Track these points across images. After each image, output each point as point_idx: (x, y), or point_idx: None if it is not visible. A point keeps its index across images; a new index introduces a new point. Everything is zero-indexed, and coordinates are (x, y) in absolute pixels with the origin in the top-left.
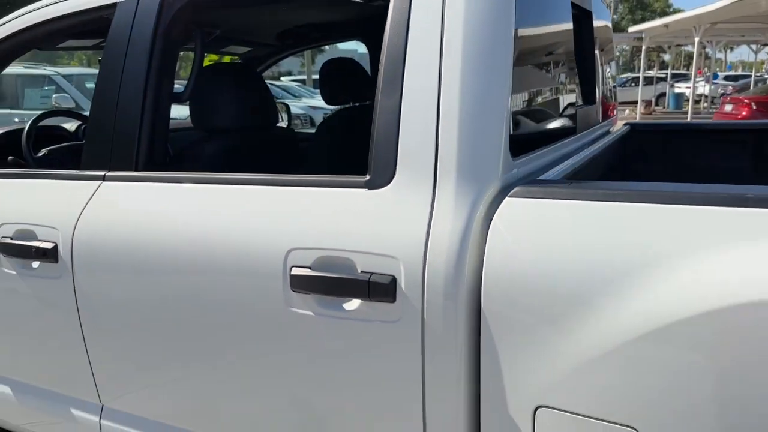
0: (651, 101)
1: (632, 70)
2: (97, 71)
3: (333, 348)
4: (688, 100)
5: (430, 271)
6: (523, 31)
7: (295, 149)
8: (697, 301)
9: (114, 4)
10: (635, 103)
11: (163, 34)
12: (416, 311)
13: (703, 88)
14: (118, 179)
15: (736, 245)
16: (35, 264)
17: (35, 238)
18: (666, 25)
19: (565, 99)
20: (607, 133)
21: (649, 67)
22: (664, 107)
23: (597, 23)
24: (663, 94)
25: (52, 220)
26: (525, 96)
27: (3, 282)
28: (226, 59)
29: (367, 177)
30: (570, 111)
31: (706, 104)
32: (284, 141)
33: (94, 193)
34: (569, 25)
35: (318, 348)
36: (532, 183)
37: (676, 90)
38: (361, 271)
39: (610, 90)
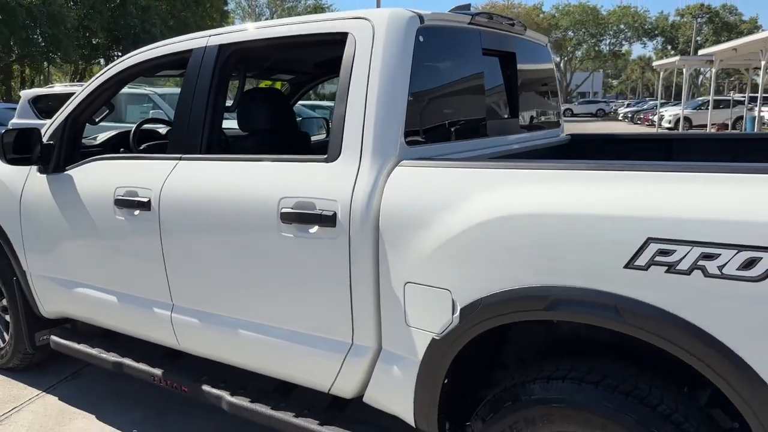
0: (727, 124)
1: (719, 92)
2: None
3: (303, 254)
4: (765, 124)
5: (353, 208)
6: (421, 75)
7: (305, 145)
8: (483, 216)
9: (191, 50)
10: (713, 125)
11: (219, 69)
12: (346, 231)
13: None
14: (189, 159)
15: (508, 187)
16: (136, 212)
17: (137, 196)
18: (734, 48)
19: (469, 113)
20: (549, 138)
21: (741, 90)
22: (741, 130)
23: (527, 61)
24: (741, 117)
25: (148, 184)
26: (424, 111)
27: (116, 224)
28: (278, 85)
29: (326, 156)
30: (475, 121)
31: None
32: (297, 140)
33: (174, 168)
34: (477, 64)
35: (295, 254)
36: (415, 159)
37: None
38: (318, 209)
39: (556, 109)
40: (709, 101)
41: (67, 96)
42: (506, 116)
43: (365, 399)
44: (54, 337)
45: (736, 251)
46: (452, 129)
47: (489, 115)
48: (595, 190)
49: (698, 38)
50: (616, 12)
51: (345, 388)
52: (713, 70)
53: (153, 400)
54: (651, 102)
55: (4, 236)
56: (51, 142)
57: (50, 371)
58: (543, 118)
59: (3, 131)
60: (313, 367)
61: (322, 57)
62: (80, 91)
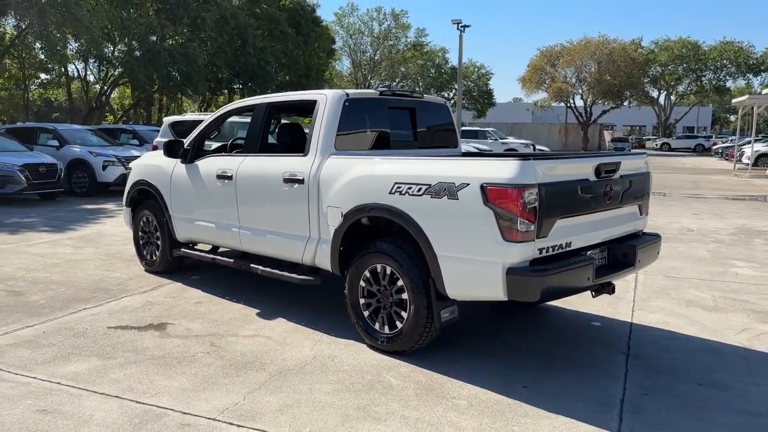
0: None
1: None
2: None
3: (290, 197)
4: None
5: (309, 177)
6: (346, 120)
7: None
8: (357, 173)
9: (256, 104)
10: None
11: (266, 114)
12: (307, 186)
13: None
14: (251, 155)
15: (361, 165)
16: (226, 181)
17: (227, 173)
18: None
19: (376, 138)
20: (445, 153)
21: None
22: None
23: (425, 113)
24: None
25: (232, 167)
26: (347, 135)
27: (216, 187)
28: (306, 121)
29: (303, 153)
30: (381, 142)
31: None
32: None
33: (243, 159)
34: (384, 115)
35: (287, 197)
36: (336, 155)
37: None
38: (298, 176)
39: (453, 137)
40: None
41: (195, 122)
42: (407, 140)
43: (316, 263)
44: (183, 249)
45: (417, 185)
46: (364, 144)
47: (393, 139)
48: (385, 165)
49: None
50: (718, 47)
51: (306, 259)
52: None
53: (231, 289)
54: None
55: (161, 196)
56: (188, 147)
57: (177, 274)
58: (439, 142)
59: (166, 141)
60: (293, 250)
61: (307, 109)
62: (205, 121)
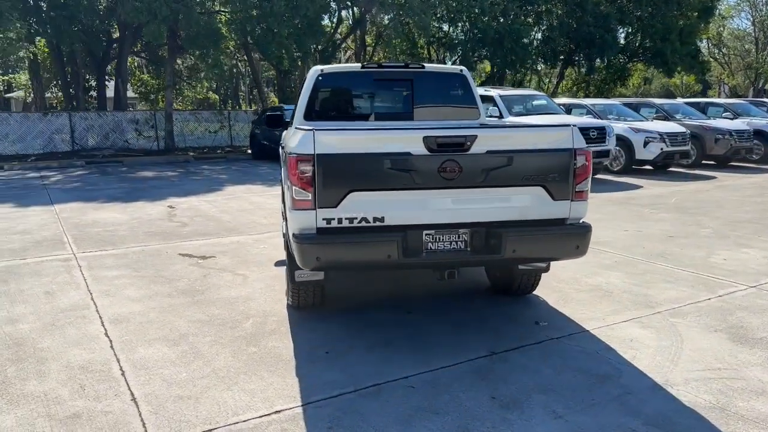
0: None
1: None
2: None
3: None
4: None
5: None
6: (320, 92)
7: None
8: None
9: (308, 77)
10: None
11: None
12: (283, 153)
13: None
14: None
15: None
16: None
17: (282, 143)
18: None
19: (352, 108)
20: (462, 122)
21: None
22: None
23: (428, 83)
24: None
25: (285, 138)
26: (318, 107)
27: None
28: None
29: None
30: (360, 113)
31: None
32: None
33: (288, 130)
34: (367, 86)
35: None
36: (299, 126)
37: None
38: (283, 146)
39: (471, 108)
40: None
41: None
42: (398, 113)
43: None
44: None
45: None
46: (339, 117)
47: (378, 111)
48: (287, 134)
49: None
50: None
51: None
52: None
53: None
54: None
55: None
56: (288, 120)
57: None
58: (450, 114)
59: (268, 113)
60: None
61: None
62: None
